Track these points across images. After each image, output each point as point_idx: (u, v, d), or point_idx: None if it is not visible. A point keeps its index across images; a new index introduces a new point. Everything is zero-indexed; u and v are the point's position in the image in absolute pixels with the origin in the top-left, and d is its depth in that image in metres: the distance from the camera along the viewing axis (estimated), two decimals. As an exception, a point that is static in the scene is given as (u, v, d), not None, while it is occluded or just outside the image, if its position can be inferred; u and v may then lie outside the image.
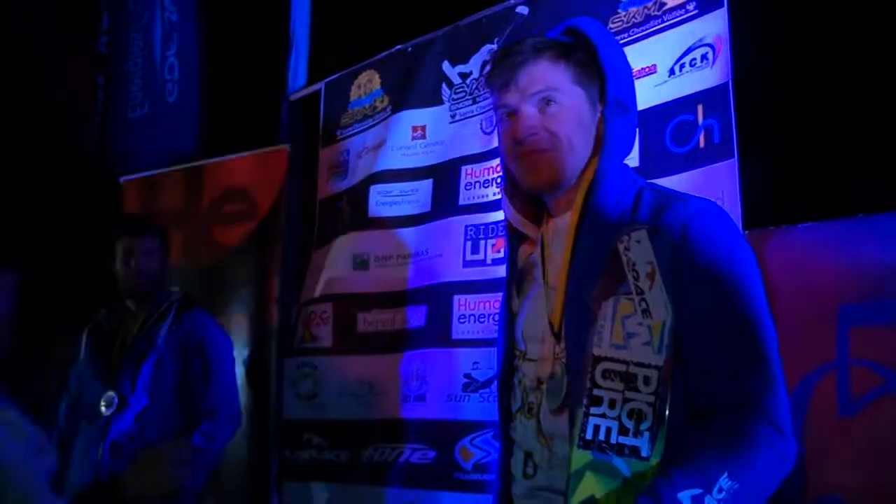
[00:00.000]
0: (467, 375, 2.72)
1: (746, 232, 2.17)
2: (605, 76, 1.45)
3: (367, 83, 3.34)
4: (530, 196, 1.56)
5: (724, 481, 1.16)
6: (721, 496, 1.15)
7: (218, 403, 2.90)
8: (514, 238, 1.62)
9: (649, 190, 1.43)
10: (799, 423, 2.10)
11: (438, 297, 2.86)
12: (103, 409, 2.85)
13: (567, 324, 1.39)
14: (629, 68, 1.52)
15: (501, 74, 1.48)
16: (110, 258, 3.04)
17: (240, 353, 3.36)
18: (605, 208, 1.40)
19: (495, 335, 1.71)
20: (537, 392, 1.45)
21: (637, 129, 2.39)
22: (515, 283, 1.59)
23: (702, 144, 2.28)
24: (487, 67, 1.56)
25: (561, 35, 1.53)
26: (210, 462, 2.89)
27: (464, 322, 2.78)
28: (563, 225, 1.48)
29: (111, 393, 2.86)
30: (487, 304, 2.73)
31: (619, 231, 1.35)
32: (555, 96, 1.43)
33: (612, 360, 1.28)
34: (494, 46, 2.87)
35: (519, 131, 1.45)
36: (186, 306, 3.03)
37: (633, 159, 2.42)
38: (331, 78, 3.53)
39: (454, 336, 2.80)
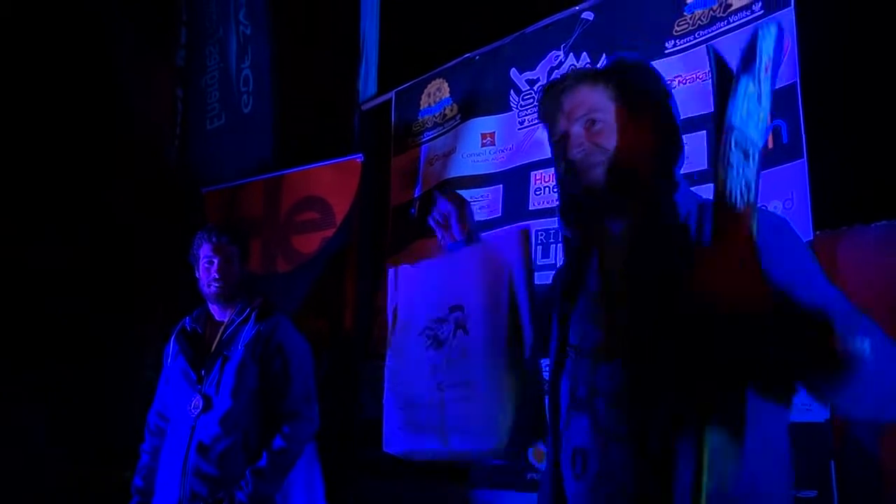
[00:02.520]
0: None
1: (818, 233, 2.17)
2: (647, 94, 1.58)
3: (437, 92, 3.41)
4: (587, 208, 1.65)
5: None
6: None
7: (298, 406, 2.96)
8: (571, 249, 1.73)
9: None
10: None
11: (511, 301, 2.91)
12: (191, 411, 2.98)
13: (626, 321, 1.48)
14: (669, 91, 1.61)
15: (548, 104, 1.65)
16: (193, 264, 3.18)
17: (318, 357, 3.45)
18: (661, 217, 1.50)
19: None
20: (592, 386, 1.54)
21: (705, 133, 2.45)
22: (570, 286, 1.68)
23: (770, 145, 2.28)
24: (538, 102, 1.70)
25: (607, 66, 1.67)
26: (290, 463, 2.95)
27: (536, 325, 2.83)
28: (619, 231, 1.59)
29: (198, 396, 2.99)
30: (559, 306, 2.77)
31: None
32: (598, 116, 1.57)
33: None
34: (560, 53, 2.91)
35: (570, 150, 1.58)
36: (266, 312, 3.11)
37: (701, 161, 2.44)
38: (401, 87, 3.60)
39: (527, 339, 2.85)
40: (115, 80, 5.07)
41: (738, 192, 1.31)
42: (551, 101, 1.64)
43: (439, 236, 2.21)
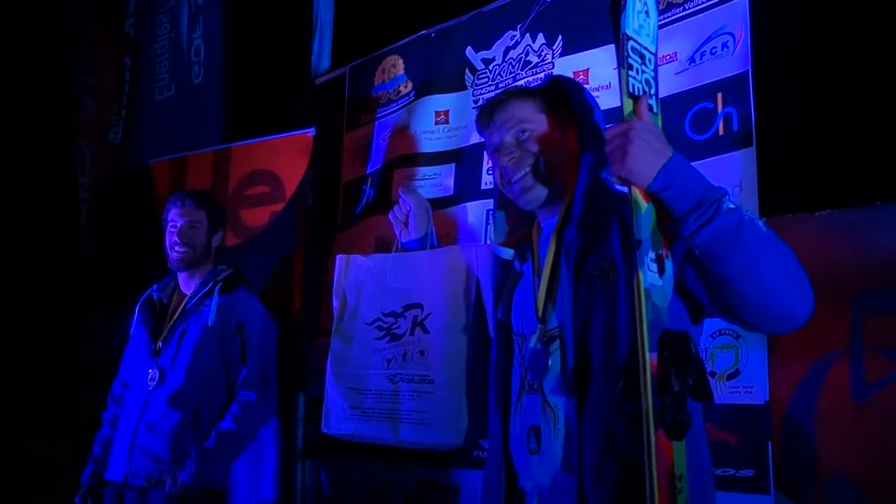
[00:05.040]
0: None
1: (764, 220, 2.19)
2: (573, 106, 1.84)
3: (392, 68, 3.37)
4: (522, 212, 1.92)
5: None
6: None
7: (252, 387, 2.90)
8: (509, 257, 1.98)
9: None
10: (811, 405, 2.14)
11: (460, 280, 2.91)
12: (148, 383, 2.90)
13: (561, 309, 1.70)
14: (594, 105, 1.85)
15: (484, 119, 1.90)
16: (164, 229, 3.12)
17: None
18: (587, 212, 1.71)
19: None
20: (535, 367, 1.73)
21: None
22: (510, 279, 1.94)
23: (721, 132, 2.30)
24: (476, 119, 1.96)
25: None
26: (238, 447, 2.89)
27: (484, 304, 2.84)
28: (549, 229, 1.84)
29: (155, 369, 2.92)
30: (508, 287, 2.77)
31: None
32: (526, 126, 1.82)
33: None
34: (517, 33, 2.90)
35: (502, 159, 1.83)
36: (231, 285, 3.05)
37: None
38: (355, 62, 3.56)
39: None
40: (60, 48, 4.94)
41: (640, 87, 1.56)
42: (486, 117, 1.89)
43: (396, 232, 2.42)
